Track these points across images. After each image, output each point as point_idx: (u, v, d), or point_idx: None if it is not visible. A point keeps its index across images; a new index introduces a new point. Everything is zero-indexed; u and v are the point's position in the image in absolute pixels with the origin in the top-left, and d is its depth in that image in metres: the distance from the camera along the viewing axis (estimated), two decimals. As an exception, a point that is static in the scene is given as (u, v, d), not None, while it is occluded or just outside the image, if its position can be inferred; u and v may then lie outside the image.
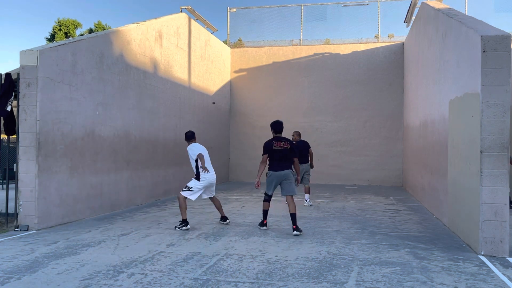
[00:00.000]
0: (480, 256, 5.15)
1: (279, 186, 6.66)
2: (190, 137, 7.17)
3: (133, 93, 9.29)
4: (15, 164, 6.76)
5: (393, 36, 15.27)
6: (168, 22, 11.05)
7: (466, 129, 5.88)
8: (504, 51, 5.15)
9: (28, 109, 6.55)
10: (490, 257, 5.12)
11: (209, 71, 14.00)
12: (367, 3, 15.31)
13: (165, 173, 10.79)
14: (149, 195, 9.98)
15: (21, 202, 6.56)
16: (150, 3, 64.61)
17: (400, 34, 15.00)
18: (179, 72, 11.70)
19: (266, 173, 6.74)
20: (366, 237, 6.19)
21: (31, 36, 53.31)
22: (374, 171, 14.85)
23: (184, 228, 6.63)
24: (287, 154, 6.57)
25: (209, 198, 7.10)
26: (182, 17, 11.96)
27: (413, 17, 12.12)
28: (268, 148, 6.61)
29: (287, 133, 15.38)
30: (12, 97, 6.95)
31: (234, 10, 16.43)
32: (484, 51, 5.20)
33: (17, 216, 6.60)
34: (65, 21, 30.00)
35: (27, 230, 6.49)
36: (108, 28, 30.36)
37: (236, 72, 16.24)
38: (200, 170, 6.79)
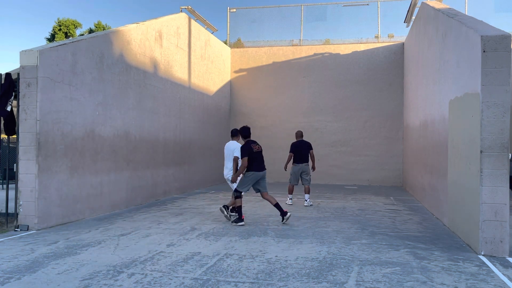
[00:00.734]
0: (480, 256, 5.15)
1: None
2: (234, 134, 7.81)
3: (133, 93, 9.29)
4: (15, 164, 6.77)
5: (393, 36, 15.28)
6: (168, 22, 11.05)
7: (466, 129, 5.88)
8: (504, 51, 5.15)
9: (28, 109, 6.55)
10: (490, 257, 5.12)
11: (209, 71, 14.00)
12: (367, 3, 15.31)
13: (165, 173, 10.79)
14: (149, 195, 9.98)
15: (21, 202, 6.56)
16: (150, 3, 64.62)
17: (400, 34, 15.00)
18: (179, 72, 11.70)
19: (244, 173, 7.19)
20: (366, 237, 6.20)
21: (31, 36, 53.34)
22: (374, 171, 14.86)
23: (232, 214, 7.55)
24: (262, 156, 7.30)
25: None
26: (182, 17, 11.96)
27: (413, 17, 12.13)
28: (249, 151, 7.10)
29: (286, 133, 15.42)
30: (12, 97, 6.95)
31: (234, 10, 16.43)
32: (484, 51, 5.20)
33: (17, 216, 6.60)
34: (65, 21, 30.00)
35: (27, 230, 6.49)
36: (108, 28, 30.37)
37: (236, 72, 16.24)
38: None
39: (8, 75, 6.97)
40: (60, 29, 29.79)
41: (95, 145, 7.92)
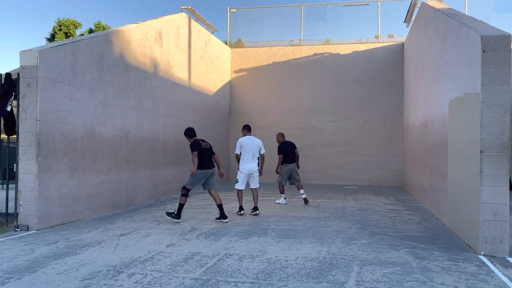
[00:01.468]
0: (480, 256, 5.15)
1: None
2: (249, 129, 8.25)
3: (133, 93, 9.29)
4: (15, 164, 6.76)
5: (393, 36, 15.28)
6: (168, 22, 11.05)
7: (466, 129, 5.88)
8: (504, 51, 5.15)
9: (28, 109, 6.55)
10: (490, 257, 5.12)
11: (209, 71, 14.00)
12: (367, 3, 15.31)
13: (165, 173, 10.79)
14: (149, 195, 9.99)
15: (21, 202, 6.56)
16: (150, 3, 64.61)
17: (400, 34, 15.00)
18: (179, 72, 11.70)
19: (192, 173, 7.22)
20: (366, 237, 6.20)
21: (31, 36, 53.33)
22: (374, 171, 14.85)
23: (239, 213, 8.06)
24: (210, 153, 7.42)
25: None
26: (182, 17, 11.96)
27: (413, 17, 12.12)
28: (199, 146, 7.22)
29: (286, 133, 15.41)
30: (12, 97, 6.95)
31: (234, 10, 16.43)
32: (484, 51, 5.20)
33: (17, 216, 6.60)
34: (65, 21, 29.99)
35: (27, 230, 6.49)
36: (108, 28, 30.36)
37: (236, 72, 16.24)
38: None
39: (8, 75, 6.97)
40: (60, 29, 29.78)
41: (95, 145, 7.92)
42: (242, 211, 8.12)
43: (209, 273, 4.43)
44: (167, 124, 10.88)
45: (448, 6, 8.27)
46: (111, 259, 4.94)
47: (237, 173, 8.21)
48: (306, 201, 9.58)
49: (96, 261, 4.83)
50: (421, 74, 10.33)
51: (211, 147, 7.51)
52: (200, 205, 9.43)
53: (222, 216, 7.36)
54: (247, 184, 8.26)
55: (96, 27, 30.55)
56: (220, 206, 7.34)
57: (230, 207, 9.15)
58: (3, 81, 6.93)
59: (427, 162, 9.16)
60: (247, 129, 8.28)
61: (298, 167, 9.78)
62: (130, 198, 9.12)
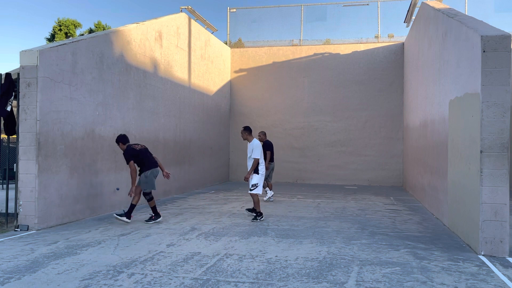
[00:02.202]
0: (480, 256, 5.15)
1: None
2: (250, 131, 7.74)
3: (133, 93, 9.29)
4: (15, 164, 6.76)
5: (393, 36, 15.28)
6: (168, 22, 11.05)
7: (466, 129, 5.88)
8: (504, 51, 5.15)
9: (28, 109, 6.55)
10: (490, 257, 5.12)
11: (209, 71, 14.00)
12: (367, 3, 15.31)
13: (165, 173, 10.77)
14: (149, 195, 9.97)
15: (21, 202, 6.56)
16: (150, 3, 64.59)
17: (400, 34, 15.00)
18: (179, 72, 11.69)
19: (140, 174, 7.20)
20: (366, 237, 6.20)
21: (31, 36, 53.31)
22: (374, 171, 14.85)
23: (260, 219, 7.52)
24: (149, 153, 7.33)
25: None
26: (182, 17, 11.96)
27: (413, 17, 12.13)
28: (133, 152, 7.08)
29: (286, 133, 15.40)
30: (12, 97, 6.95)
31: (234, 10, 16.43)
32: (484, 51, 5.20)
33: (17, 216, 6.60)
34: (65, 21, 29.99)
35: (27, 230, 6.49)
36: (108, 28, 30.36)
37: (236, 72, 16.24)
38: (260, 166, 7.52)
39: (8, 75, 6.97)
40: (60, 29, 29.78)
41: (95, 145, 7.92)
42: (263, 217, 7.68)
43: (209, 273, 4.43)
44: (167, 124, 10.88)
45: (448, 6, 8.27)
46: (111, 259, 4.94)
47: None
48: (268, 200, 9.99)
49: (96, 261, 4.83)
50: (421, 74, 10.33)
51: (146, 148, 7.38)
52: (200, 205, 9.43)
53: (155, 216, 7.29)
54: (246, 187, 8.21)
55: (96, 27, 30.55)
56: (133, 206, 7.14)
57: (230, 207, 9.15)
58: (3, 81, 6.93)
59: (427, 162, 9.16)
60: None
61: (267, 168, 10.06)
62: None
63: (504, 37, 5.18)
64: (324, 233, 6.50)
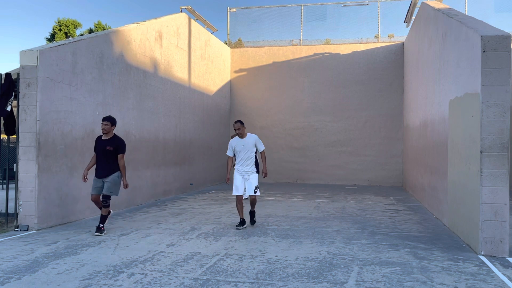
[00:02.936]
0: (480, 256, 5.15)
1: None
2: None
3: (133, 93, 9.29)
4: (15, 164, 6.76)
5: (393, 36, 15.28)
6: (168, 22, 11.05)
7: (466, 129, 5.87)
8: (504, 51, 5.15)
9: (28, 109, 6.55)
10: (490, 257, 5.12)
11: (209, 71, 14.00)
12: (367, 3, 15.31)
13: (165, 173, 10.79)
14: (149, 195, 9.98)
15: (21, 202, 6.55)
16: (150, 3, 64.58)
17: (400, 34, 15.00)
18: (179, 72, 11.70)
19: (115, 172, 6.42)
20: (366, 237, 6.19)
21: (31, 36, 53.31)
22: (374, 171, 14.85)
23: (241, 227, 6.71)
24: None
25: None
26: (182, 17, 11.96)
27: (413, 17, 12.12)
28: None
29: (286, 133, 15.40)
30: (12, 97, 6.95)
31: (234, 10, 16.43)
32: (484, 51, 5.20)
33: (17, 216, 6.60)
34: (65, 21, 29.99)
35: (27, 230, 6.49)
36: (108, 28, 30.36)
37: (236, 72, 16.24)
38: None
39: (8, 75, 6.97)
40: (60, 29, 29.78)
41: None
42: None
43: (209, 273, 4.43)
44: (167, 124, 10.88)
45: (448, 6, 8.27)
46: (111, 259, 4.94)
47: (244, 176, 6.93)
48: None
49: (96, 261, 4.83)
50: (421, 74, 10.33)
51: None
52: (200, 205, 9.43)
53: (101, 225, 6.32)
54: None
55: (96, 27, 30.54)
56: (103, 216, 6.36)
57: (230, 207, 9.15)
58: (3, 81, 6.93)
59: (427, 162, 9.16)
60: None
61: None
62: (130, 198, 9.11)
63: (504, 37, 5.18)
64: (324, 233, 6.50)
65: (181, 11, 12.26)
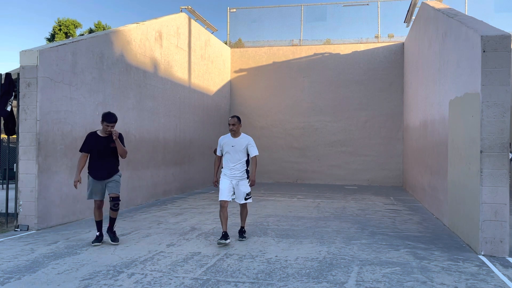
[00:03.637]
0: (480, 256, 5.15)
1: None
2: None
3: (133, 93, 9.29)
4: (15, 164, 6.76)
5: (393, 36, 15.28)
6: (168, 22, 11.05)
7: (466, 129, 5.88)
8: (504, 51, 5.15)
9: (28, 109, 6.55)
10: (490, 257, 5.12)
11: (209, 71, 14.00)
12: (367, 3, 15.31)
13: (165, 173, 10.79)
14: (149, 195, 9.98)
15: (21, 202, 6.55)
16: (150, 3, 64.56)
17: (400, 34, 15.00)
18: (179, 72, 11.69)
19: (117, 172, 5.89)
20: (366, 237, 6.19)
21: (31, 36, 53.30)
22: (374, 171, 14.85)
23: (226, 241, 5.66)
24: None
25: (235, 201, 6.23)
26: (182, 17, 11.96)
27: (413, 17, 12.12)
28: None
29: (286, 133, 15.39)
30: (12, 97, 6.95)
31: (234, 10, 16.43)
32: (484, 51, 5.20)
33: (17, 216, 6.60)
34: (65, 21, 29.99)
35: (27, 230, 6.49)
36: (108, 28, 30.35)
37: (236, 72, 16.24)
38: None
39: (8, 75, 6.97)
40: (60, 29, 29.78)
41: (95, 145, 7.91)
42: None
43: (209, 273, 4.43)
44: (167, 124, 10.88)
45: (448, 6, 8.27)
46: (111, 259, 4.94)
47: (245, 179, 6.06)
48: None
49: (96, 261, 4.83)
50: (421, 74, 10.33)
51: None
52: (200, 205, 9.43)
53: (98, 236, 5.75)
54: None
55: (96, 27, 30.54)
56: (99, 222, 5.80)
57: (230, 207, 9.13)
58: (3, 81, 6.93)
59: (427, 162, 9.16)
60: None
61: None
62: (130, 198, 9.11)
63: (504, 37, 5.18)
64: (324, 233, 6.50)
65: (181, 11, 12.26)
